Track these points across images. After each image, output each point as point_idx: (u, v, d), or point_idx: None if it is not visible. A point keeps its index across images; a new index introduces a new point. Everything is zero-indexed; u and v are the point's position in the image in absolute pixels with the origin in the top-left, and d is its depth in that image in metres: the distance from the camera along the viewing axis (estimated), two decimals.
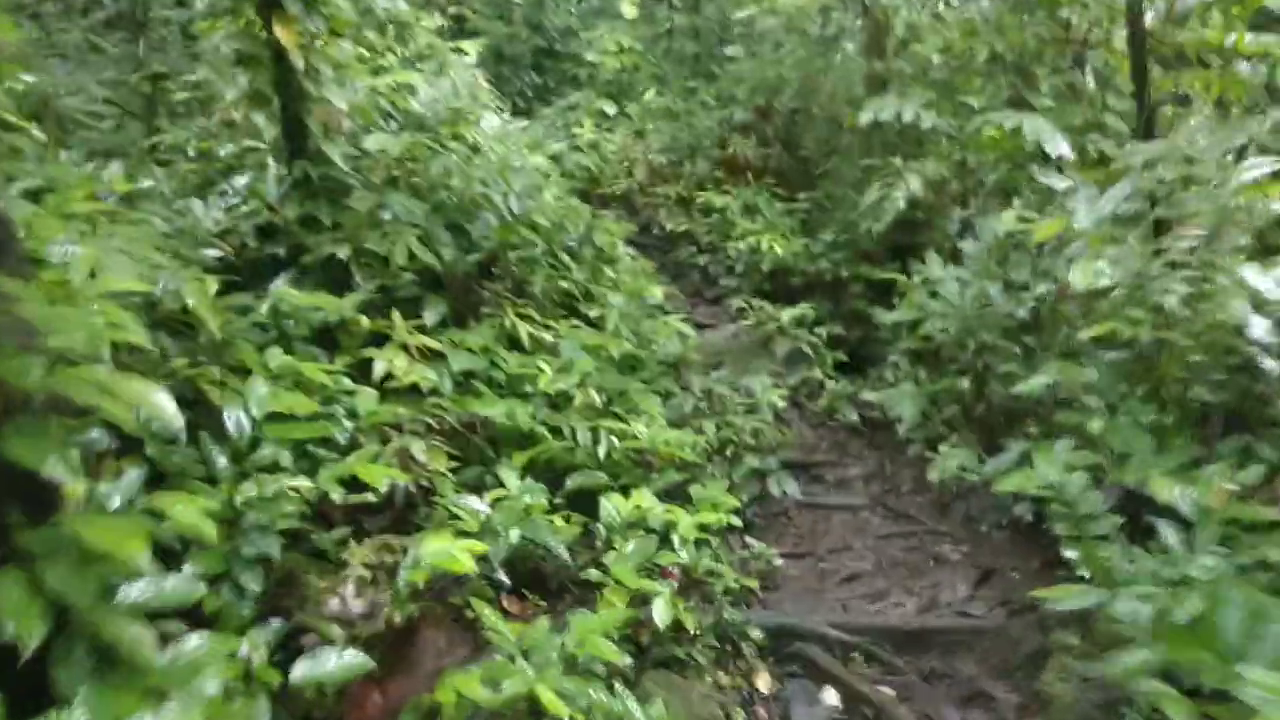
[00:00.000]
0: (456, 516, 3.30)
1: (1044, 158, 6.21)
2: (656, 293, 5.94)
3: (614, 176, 10.10)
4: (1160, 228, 4.19)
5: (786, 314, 6.14)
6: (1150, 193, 3.82)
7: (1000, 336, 4.02)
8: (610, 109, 11.35)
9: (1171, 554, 2.79)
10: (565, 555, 3.35)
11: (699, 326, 6.94)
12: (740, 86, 9.24)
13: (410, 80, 5.74)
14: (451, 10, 11.82)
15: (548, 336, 5.02)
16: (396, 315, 4.47)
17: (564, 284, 5.63)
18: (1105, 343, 3.45)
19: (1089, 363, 3.46)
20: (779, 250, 6.79)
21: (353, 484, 3.13)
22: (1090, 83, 6.89)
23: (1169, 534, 2.84)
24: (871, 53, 8.00)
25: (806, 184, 8.16)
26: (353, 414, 3.58)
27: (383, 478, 3.06)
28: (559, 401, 4.08)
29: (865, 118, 6.57)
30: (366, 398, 3.66)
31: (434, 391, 3.99)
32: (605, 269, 6.26)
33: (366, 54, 6.13)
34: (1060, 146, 5.84)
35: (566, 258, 6.07)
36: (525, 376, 4.27)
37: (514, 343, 4.87)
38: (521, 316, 5.00)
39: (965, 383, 4.16)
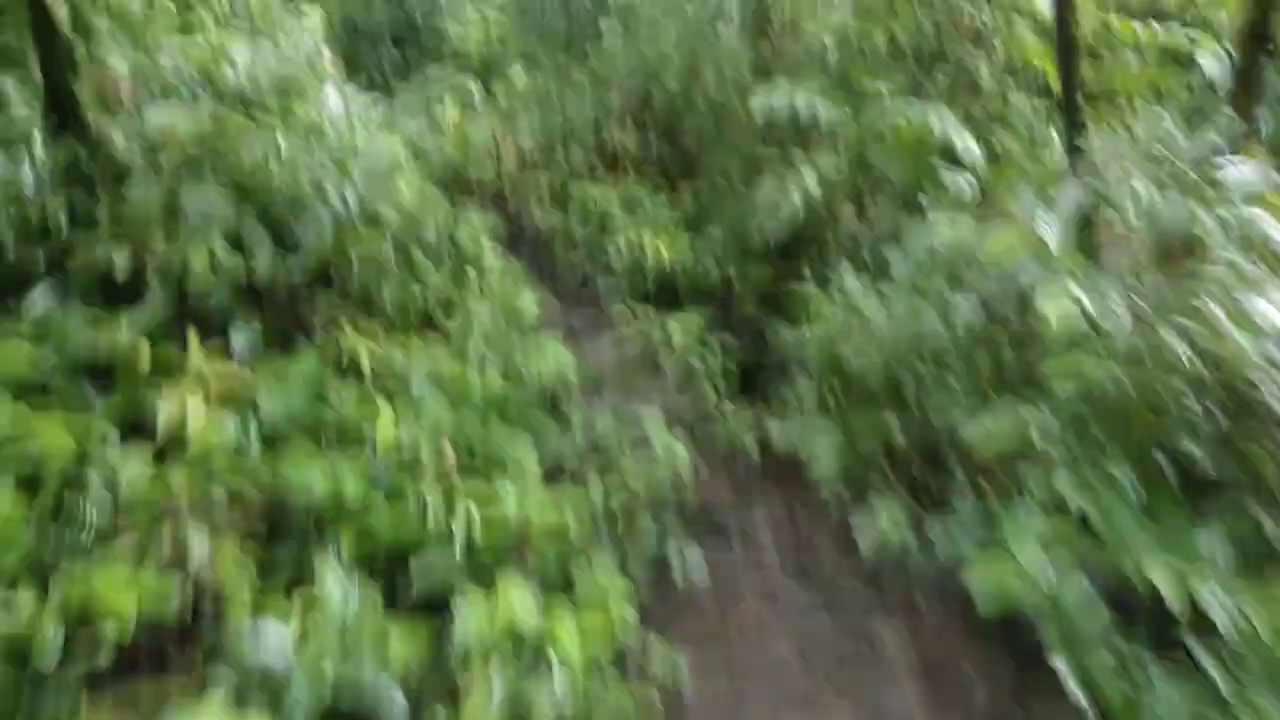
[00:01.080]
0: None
1: (947, 154, 5.71)
2: (529, 301, 5.09)
3: (479, 162, 9.12)
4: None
5: (674, 325, 5.38)
6: (1099, 201, 3.25)
7: (936, 368, 3.41)
8: (475, 88, 10.33)
9: (1208, 681, 2.17)
10: (399, 707, 2.42)
11: (576, 335, 6.13)
12: (616, 68, 8.42)
13: (228, 44, 4.68)
14: None
15: (399, 355, 4.10)
16: (194, 340, 3.48)
17: (419, 292, 4.71)
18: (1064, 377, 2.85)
19: (1046, 403, 2.87)
20: (663, 250, 6.05)
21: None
22: (985, 73, 6.44)
23: (1201, 654, 2.25)
24: (757, 35, 7.34)
25: (690, 175, 7.44)
26: (114, 486, 2.61)
27: (130, 607, 2.13)
28: (405, 458, 3.20)
29: (756, 106, 5.90)
30: (135, 464, 2.69)
31: (237, 451, 3.04)
32: (469, 272, 5.35)
33: (171, 7, 5.01)
34: (967, 142, 5.32)
35: (423, 258, 5.14)
36: (362, 421, 3.36)
37: (354, 368, 3.94)
38: (363, 335, 4.07)
39: (893, 419, 3.54)
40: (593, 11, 9.70)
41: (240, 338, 3.59)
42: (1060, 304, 2.57)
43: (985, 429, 2.88)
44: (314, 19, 7.90)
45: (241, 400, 3.31)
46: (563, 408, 4.34)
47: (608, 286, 6.36)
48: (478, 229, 6.03)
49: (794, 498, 4.20)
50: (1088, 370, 2.70)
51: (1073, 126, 4.31)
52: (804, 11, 7.27)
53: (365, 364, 3.89)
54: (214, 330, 3.72)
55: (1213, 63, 4.64)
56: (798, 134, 6.94)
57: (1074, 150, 4.50)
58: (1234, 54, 4.25)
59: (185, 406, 3.25)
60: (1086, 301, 2.58)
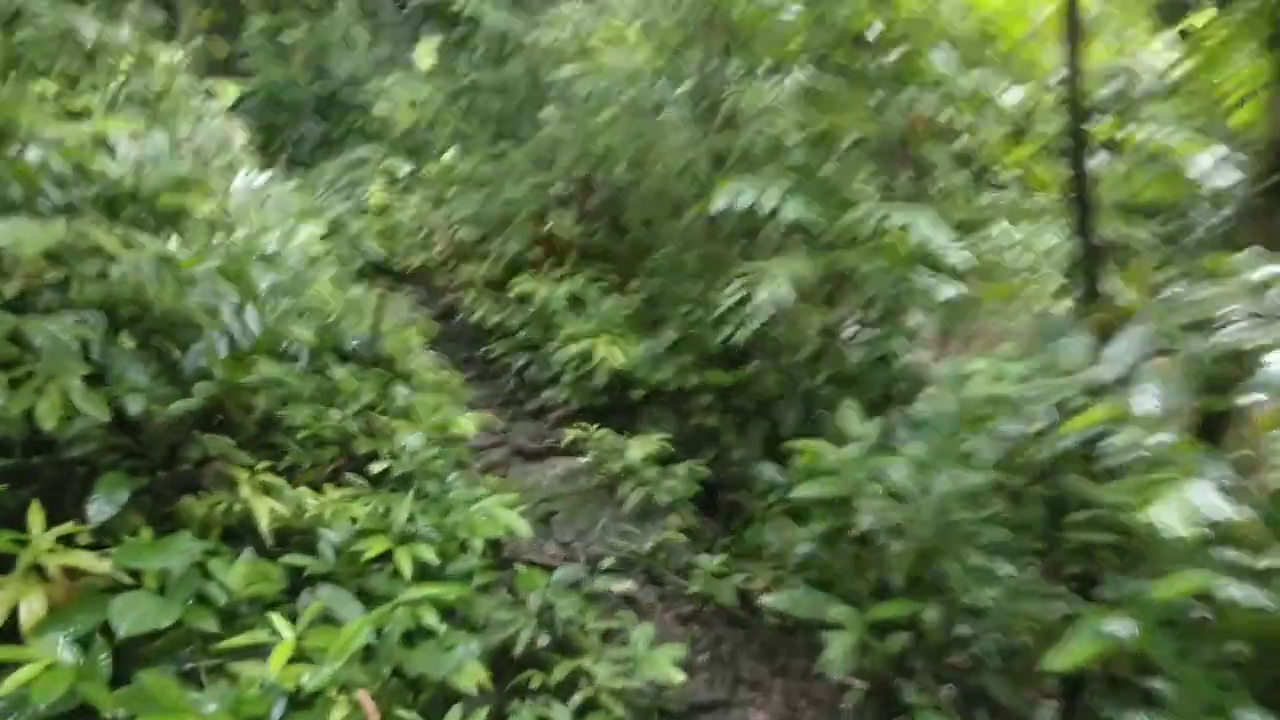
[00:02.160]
0: None
1: (927, 259, 5.22)
2: (465, 423, 4.32)
3: (409, 249, 8.39)
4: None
5: (635, 448, 4.68)
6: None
7: (987, 557, 2.76)
8: (404, 168, 9.63)
9: None
10: None
11: (521, 457, 5.37)
12: (558, 154, 7.83)
13: (110, 129, 3.88)
14: (205, 47, 9.67)
15: (310, 505, 3.30)
16: (35, 518, 2.63)
17: (335, 423, 3.91)
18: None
19: (1130, 611, 2.24)
20: (617, 358, 5.38)
21: None
22: (954, 174, 6.02)
23: None
24: (708, 123, 6.84)
25: (638, 269, 6.82)
26: None
27: None
28: (305, 692, 2.39)
29: (719, 204, 5.32)
30: None
31: (81, 675, 2.19)
32: (397, 387, 4.57)
33: (50, 91, 4.20)
34: (957, 252, 4.81)
35: (343, 374, 4.35)
36: (253, 625, 2.54)
37: (248, 531, 3.12)
38: (264, 488, 3.25)
39: (932, 614, 2.86)
40: (531, 93, 9.14)
41: (101, 505, 2.76)
42: (1185, 511, 1.96)
43: (1071, 655, 2.22)
44: (226, 99, 7.15)
45: (92, 605, 2.47)
46: (510, 572, 3.56)
47: (554, 396, 5.64)
48: (407, 333, 5.27)
49: (792, 680, 3.48)
50: (1215, 589, 2.08)
51: (1086, 247, 3.83)
52: (755, 100, 6.81)
53: (264, 525, 3.07)
54: (71, 496, 2.88)
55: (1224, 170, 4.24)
56: (757, 233, 6.42)
57: (1089, 266, 4.01)
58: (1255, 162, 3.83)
59: (18, 610, 2.41)
60: (1209, 501, 1.99)
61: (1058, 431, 2.76)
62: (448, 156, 9.00)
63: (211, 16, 10.01)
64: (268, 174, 6.43)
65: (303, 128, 13.54)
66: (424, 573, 2.98)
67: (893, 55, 5.89)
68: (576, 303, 6.19)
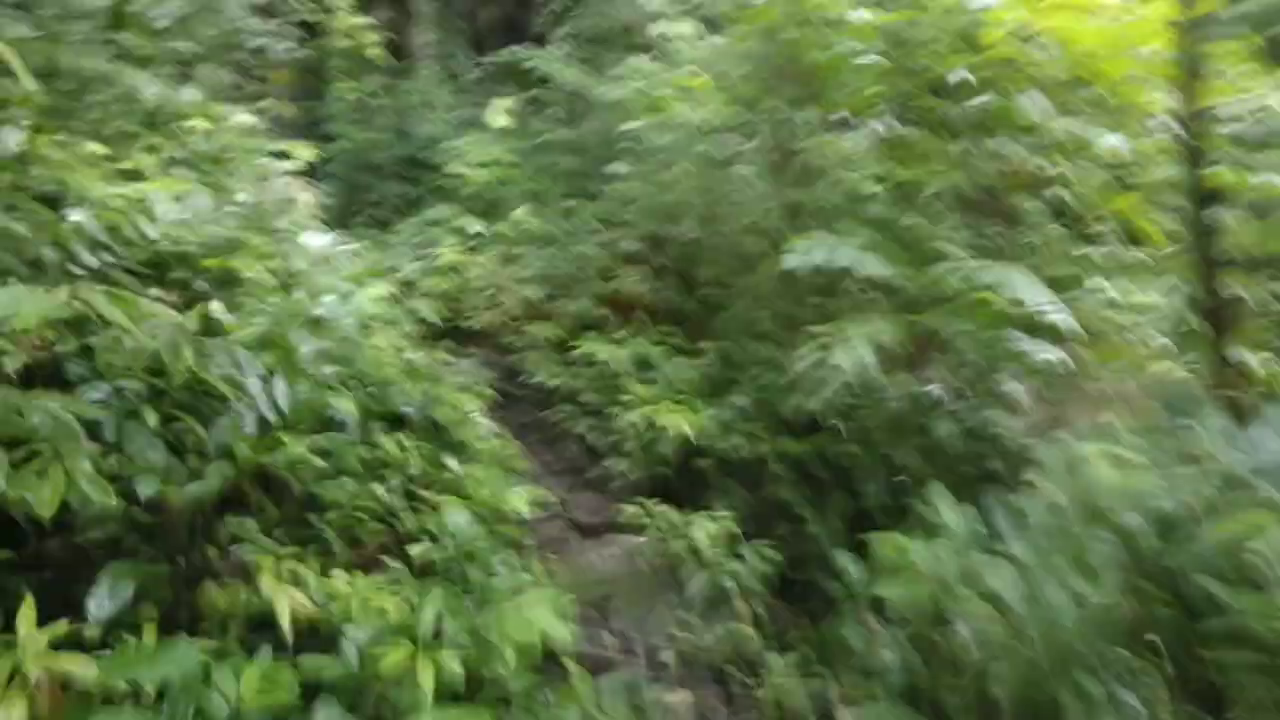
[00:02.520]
0: None
1: (1021, 320, 4.73)
2: (518, 502, 4.00)
3: (477, 308, 8.21)
4: None
5: (700, 528, 4.27)
6: None
7: (1108, 682, 2.28)
8: (476, 226, 9.54)
9: None
10: None
11: (579, 534, 5.02)
12: (628, 210, 7.60)
13: (153, 189, 3.75)
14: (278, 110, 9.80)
15: (336, 598, 3.00)
16: (27, 615, 2.38)
17: (378, 498, 3.63)
18: None
19: None
20: (683, 424, 5.01)
21: None
22: (1050, 228, 5.53)
23: None
24: (782, 177, 6.50)
25: (710, 330, 6.47)
26: None
27: None
28: None
29: (792, 260, 4.95)
30: None
31: None
32: (448, 459, 4.28)
33: (101, 152, 4.12)
34: (1064, 317, 4.31)
35: (390, 447, 4.09)
36: None
37: (273, 624, 2.83)
38: (292, 576, 2.97)
39: None
40: (602, 150, 8.97)
41: (101, 603, 2.50)
42: None
43: None
44: (296, 159, 7.13)
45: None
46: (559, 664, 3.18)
47: (616, 466, 5.28)
48: (463, 399, 4.99)
49: None
50: None
51: (1208, 307, 3.33)
52: (831, 152, 6.46)
53: (284, 622, 2.77)
54: (85, 582, 2.64)
55: None
56: (834, 290, 6.02)
57: (1212, 329, 3.50)
58: None
59: None
60: None
61: (1198, 532, 2.28)
62: (518, 214, 8.86)
63: (288, 79, 10.12)
64: (332, 235, 6.34)
65: (386, 189, 13.73)
66: (453, 683, 2.63)
67: (978, 100, 5.48)
68: (642, 364, 5.86)
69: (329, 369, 3.85)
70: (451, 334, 8.67)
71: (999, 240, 5.22)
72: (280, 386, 3.03)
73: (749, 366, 5.74)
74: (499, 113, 9.55)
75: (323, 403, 3.51)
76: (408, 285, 9.35)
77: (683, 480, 5.18)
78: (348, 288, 5.25)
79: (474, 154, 10.10)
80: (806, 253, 4.97)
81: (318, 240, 5.84)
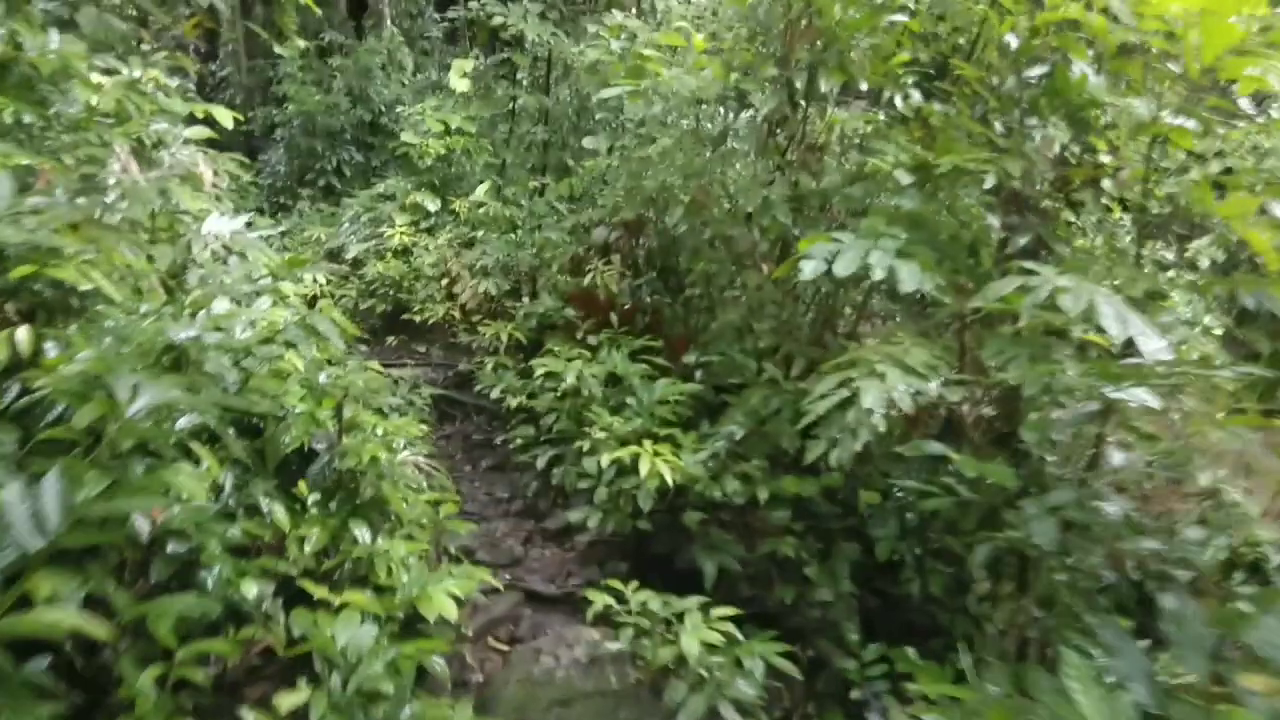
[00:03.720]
0: None
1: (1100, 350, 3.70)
2: (444, 604, 2.90)
3: (430, 299, 7.07)
4: None
5: (689, 633, 3.18)
6: None
7: None
8: (431, 204, 8.36)
9: None
10: None
11: (533, 600, 3.96)
12: (604, 193, 6.48)
13: None
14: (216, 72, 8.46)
15: None
16: None
17: (249, 595, 2.54)
18: None
19: None
20: (664, 472, 3.94)
21: None
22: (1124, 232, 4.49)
23: None
24: (784, 158, 5.39)
25: (694, 337, 5.38)
26: None
27: None
28: None
29: (807, 269, 3.86)
30: None
31: None
32: (357, 530, 3.18)
33: None
34: (1151, 340, 3.26)
35: (280, 514, 3.00)
36: None
37: None
38: None
39: None
40: (580, 121, 7.80)
41: None
42: None
43: None
44: (222, 122, 5.88)
45: None
46: None
47: (582, 517, 4.19)
48: (393, 428, 3.88)
49: None
50: None
51: None
52: (848, 129, 5.35)
53: None
54: None
55: None
56: (849, 296, 4.97)
57: None
58: None
59: None
60: None
61: None
62: (478, 193, 7.70)
63: (197, 32, 8.71)
64: (243, 217, 5.15)
65: (340, 155, 12.45)
66: None
67: (1035, 71, 4.40)
68: (617, 385, 4.77)
69: (185, 419, 2.74)
70: (399, 327, 7.55)
71: (1058, 244, 4.17)
72: (50, 492, 1.91)
73: (745, 388, 4.67)
74: (460, 74, 8.31)
75: (141, 490, 2.37)
76: (355, 266, 8.19)
77: (664, 537, 4.14)
78: (255, 287, 4.13)
79: (432, 121, 8.87)
80: (827, 257, 3.89)
81: (222, 225, 4.69)
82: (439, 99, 9.92)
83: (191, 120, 5.84)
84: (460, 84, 8.56)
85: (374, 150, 12.52)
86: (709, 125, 5.99)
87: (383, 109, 12.50)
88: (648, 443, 4.07)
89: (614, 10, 7.22)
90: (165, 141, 4.88)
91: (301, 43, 12.97)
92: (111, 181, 3.86)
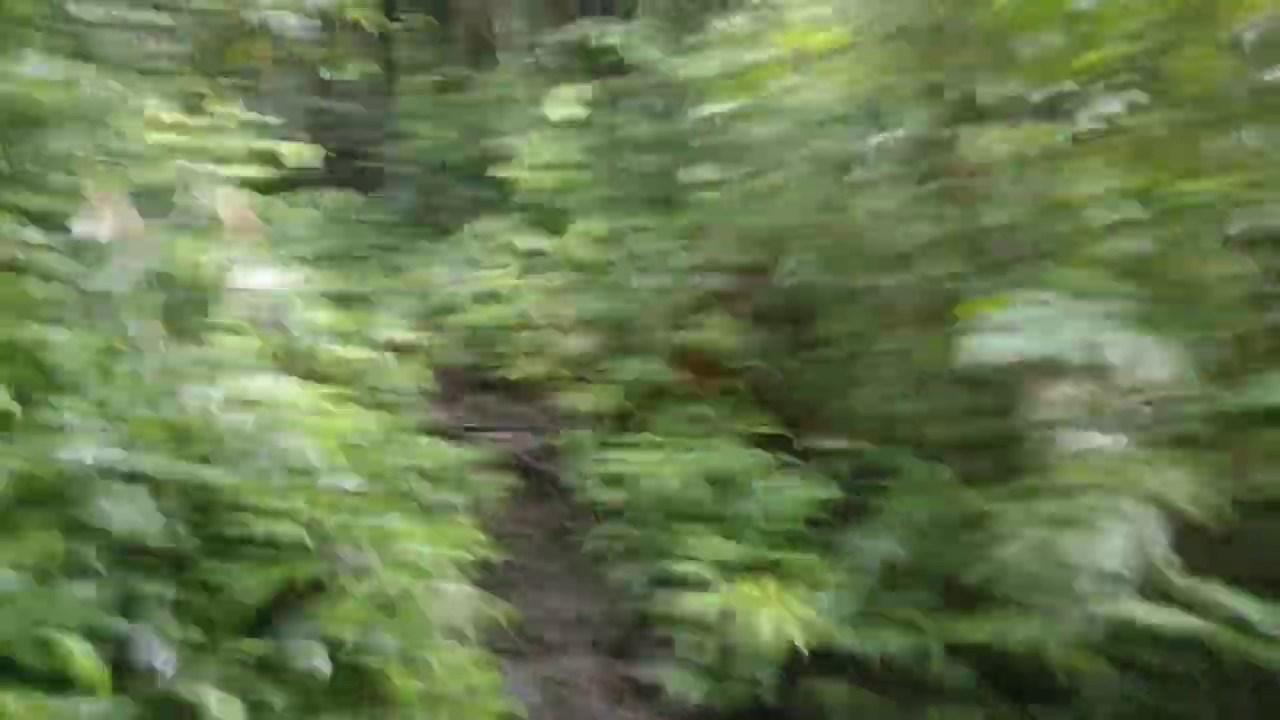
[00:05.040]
0: None
1: None
2: None
3: (519, 355, 6.18)
4: None
5: None
6: None
7: None
8: (530, 243, 7.52)
9: None
10: None
11: None
12: (719, 230, 5.42)
13: None
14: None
15: None
16: None
17: None
18: None
19: None
20: (789, 626, 2.81)
21: None
22: None
23: None
24: (949, 190, 4.16)
25: (829, 416, 4.19)
26: None
27: None
28: None
29: (985, 349, 2.67)
30: None
31: None
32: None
33: None
34: None
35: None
36: None
37: None
38: None
39: None
40: (688, 150, 6.75)
41: None
42: None
43: None
44: (287, 160, 5.17)
45: None
46: None
47: (676, 683, 3.09)
48: (429, 557, 2.90)
49: None
50: None
51: None
52: (1034, 153, 4.08)
53: None
54: None
55: None
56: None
57: None
58: None
59: None
60: None
61: None
62: (577, 230, 6.78)
63: (269, 62, 7.97)
64: (290, 271, 4.37)
65: (456, 192, 12.05)
66: None
67: None
68: (726, 488, 3.65)
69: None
70: (491, 385, 6.69)
71: None
72: None
73: (900, 492, 3.48)
74: (560, 103, 7.45)
75: None
76: (448, 312, 7.41)
77: (789, 712, 2.98)
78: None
79: (535, 154, 8.07)
80: (1009, 330, 2.70)
81: (261, 279, 3.93)
82: (545, 131, 9.17)
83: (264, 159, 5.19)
84: (559, 113, 7.70)
85: (485, 185, 12.07)
86: (843, 149, 4.83)
87: (496, 144, 12.02)
88: (768, 581, 2.93)
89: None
90: (190, 184, 4.17)
91: (422, 77, 12.81)
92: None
